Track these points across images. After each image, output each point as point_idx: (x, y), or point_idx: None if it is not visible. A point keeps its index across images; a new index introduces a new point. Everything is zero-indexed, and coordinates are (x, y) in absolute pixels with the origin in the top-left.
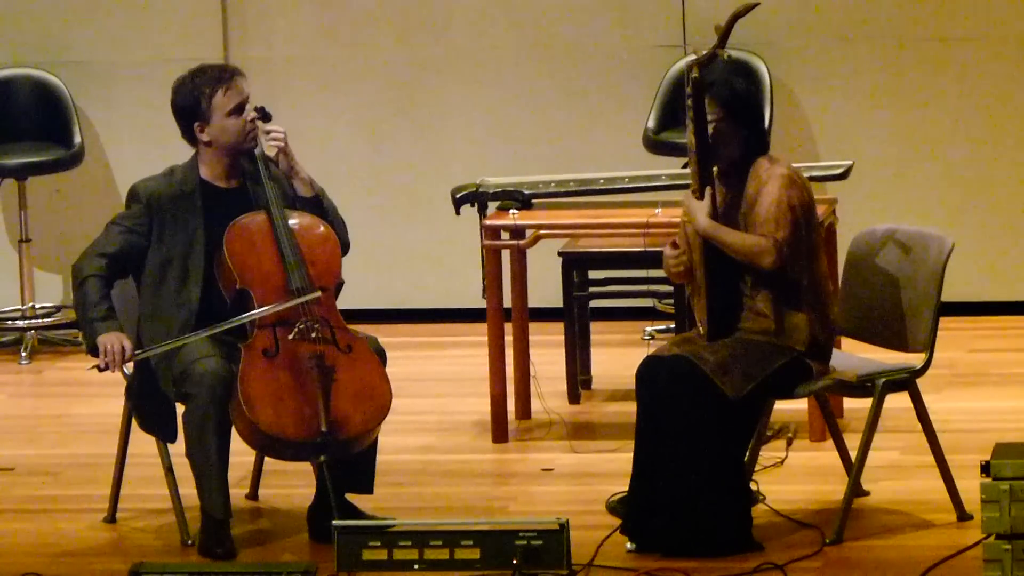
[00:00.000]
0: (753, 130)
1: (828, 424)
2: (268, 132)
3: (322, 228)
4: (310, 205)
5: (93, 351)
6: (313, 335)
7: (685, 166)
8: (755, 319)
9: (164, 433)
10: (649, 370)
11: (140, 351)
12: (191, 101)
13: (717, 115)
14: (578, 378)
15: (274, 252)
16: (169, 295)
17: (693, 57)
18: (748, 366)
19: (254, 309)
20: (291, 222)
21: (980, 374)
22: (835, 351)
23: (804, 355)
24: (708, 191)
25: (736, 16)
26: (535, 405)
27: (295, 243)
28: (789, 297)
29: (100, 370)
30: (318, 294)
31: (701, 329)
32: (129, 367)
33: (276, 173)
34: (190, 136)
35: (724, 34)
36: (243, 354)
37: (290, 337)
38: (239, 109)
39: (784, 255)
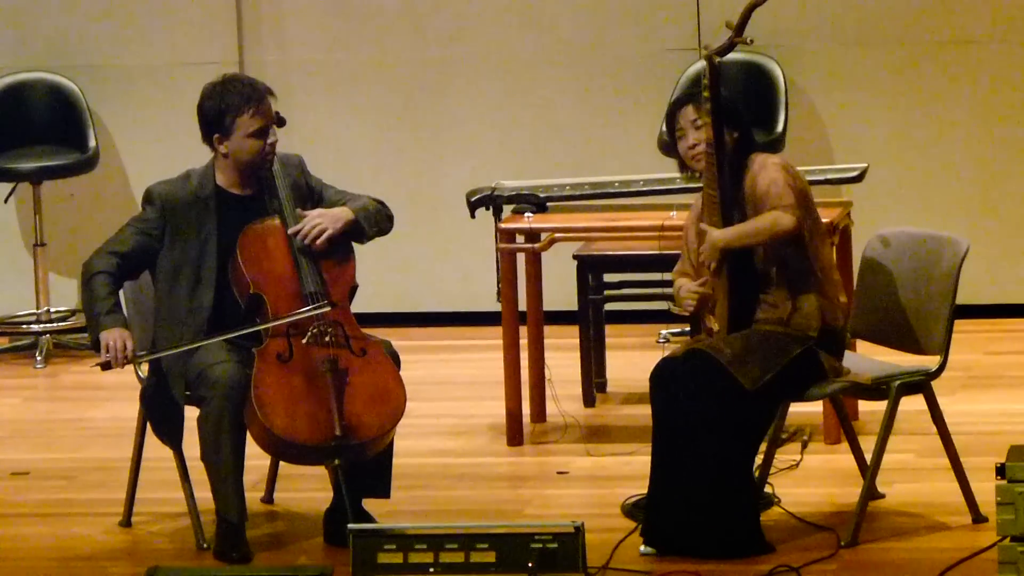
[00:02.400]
0: (742, 131)
1: (843, 427)
2: (307, 235)
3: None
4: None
5: (96, 346)
6: (327, 339)
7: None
8: (769, 310)
9: (170, 440)
10: (663, 372)
11: (144, 353)
12: (215, 113)
13: (707, 118)
14: (593, 381)
15: (287, 257)
16: (181, 299)
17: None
18: (764, 357)
19: (267, 314)
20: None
21: (995, 376)
22: (850, 353)
23: (817, 344)
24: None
25: (752, 5)
26: (550, 408)
27: (308, 248)
28: (799, 284)
29: (103, 368)
30: (327, 308)
31: (715, 327)
32: (143, 368)
33: (291, 181)
34: (209, 142)
35: (740, 24)
36: (256, 359)
37: (304, 341)
38: (261, 133)
39: (800, 218)
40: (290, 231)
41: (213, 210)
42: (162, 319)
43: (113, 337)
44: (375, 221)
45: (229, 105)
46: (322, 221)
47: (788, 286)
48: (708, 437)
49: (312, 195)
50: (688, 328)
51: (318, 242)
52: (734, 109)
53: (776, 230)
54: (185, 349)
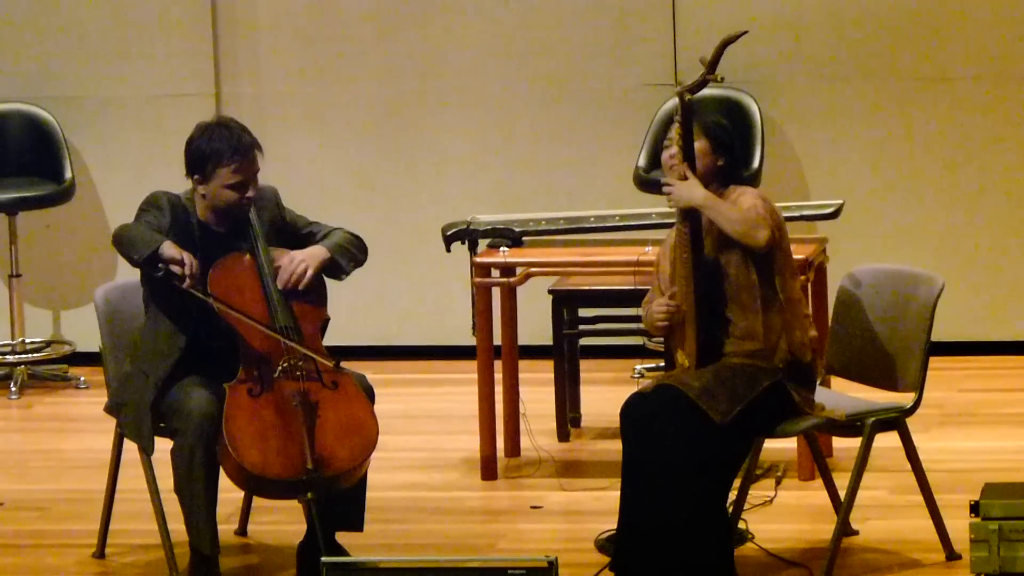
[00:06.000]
0: (728, 162)
1: (817, 463)
2: (291, 275)
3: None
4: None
5: (152, 261)
6: (297, 373)
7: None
8: (737, 342)
9: (142, 439)
10: (634, 407)
11: (201, 288)
12: (199, 157)
13: (698, 138)
14: (568, 416)
15: (258, 292)
16: (164, 329)
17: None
18: (733, 389)
19: (241, 348)
20: (275, 262)
21: (969, 414)
22: (824, 390)
23: (787, 377)
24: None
25: (725, 42)
26: (524, 442)
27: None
28: (767, 318)
29: (165, 279)
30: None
31: (686, 363)
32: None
33: (267, 216)
34: (191, 178)
35: (713, 61)
36: (228, 394)
37: (274, 376)
38: (240, 187)
39: (775, 240)
40: (277, 280)
41: (197, 240)
42: (145, 347)
43: (186, 255)
44: (352, 255)
45: (213, 151)
46: (303, 259)
47: (756, 320)
48: (679, 472)
49: (287, 229)
50: (662, 363)
51: (302, 284)
52: (726, 137)
53: (749, 232)
54: (247, 319)
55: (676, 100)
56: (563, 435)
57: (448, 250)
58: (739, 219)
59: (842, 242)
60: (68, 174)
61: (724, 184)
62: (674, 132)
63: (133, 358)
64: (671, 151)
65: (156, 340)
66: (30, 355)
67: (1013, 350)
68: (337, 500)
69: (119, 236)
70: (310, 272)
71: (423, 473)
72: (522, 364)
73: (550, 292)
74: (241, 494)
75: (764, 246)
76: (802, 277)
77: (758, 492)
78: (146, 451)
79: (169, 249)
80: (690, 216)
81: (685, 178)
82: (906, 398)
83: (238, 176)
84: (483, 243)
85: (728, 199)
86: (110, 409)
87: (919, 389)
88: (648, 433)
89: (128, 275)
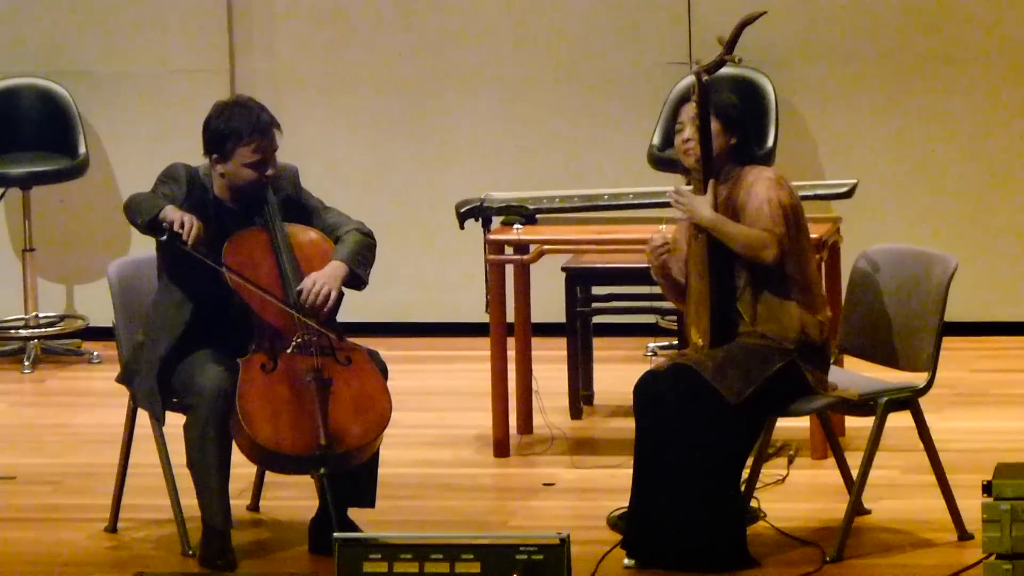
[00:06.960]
0: (741, 140)
1: (830, 442)
2: (314, 295)
3: (322, 243)
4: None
5: (152, 226)
6: (311, 348)
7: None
8: (751, 322)
9: (153, 407)
10: (647, 385)
11: (204, 249)
12: (218, 136)
13: (694, 136)
14: (580, 393)
15: (273, 267)
16: (175, 299)
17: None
18: (747, 369)
19: (255, 323)
20: (290, 237)
21: (982, 394)
22: (837, 369)
23: (800, 357)
24: (711, 184)
25: (744, 23)
26: (537, 420)
27: (293, 257)
28: (782, 298)
29: (169, 242)
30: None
31: (699, 342)
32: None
33: (283, 196)
34: (208, 158)
35: (731, 42)
36: (241, 369)
37: (288, 351)
38: (259, 165)
39: (783, 250)
40: (302, 299)
41: (212, 217)
42: (155, 316)
43: (187, 217)
44: (367, 260)
45: (232, 130)
46: (325, 282)
47: (770, 299)
48: (691, 451)
49: (301, 208)
50: (676, 342)
51: (327, 307)
52: (737, 115)
53: (756, 254)
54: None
55: (691, 78)
56: (575, 413)
57: (462, 227)
58: (745, 242)
59: (856, 222)
60: (82, 149)
61: (739, 163)
62: (685, 116)
63: (145, 327)
64: (684, 135)
65: (166, 309)
66: (43, 329)
67: None
68: (350, 476)
69: (127, 203)
70: (334, 294)
71: (436, 450)
72: (535, 342)
73: (563, 270)
74: (254, 469)
75: (772, 263)
76: (816, 257)
77: (770, 471)
78: (157, 418)
79: (171, 212)
80: (712, 267)
81: (703, 188)
82: (919, 378)
83: (257, 155)
84: (497, 220)
85: (743, 182)
86: (123, 379)
87: (932, 369)
88: (661, 412)
89: (141, 250)
